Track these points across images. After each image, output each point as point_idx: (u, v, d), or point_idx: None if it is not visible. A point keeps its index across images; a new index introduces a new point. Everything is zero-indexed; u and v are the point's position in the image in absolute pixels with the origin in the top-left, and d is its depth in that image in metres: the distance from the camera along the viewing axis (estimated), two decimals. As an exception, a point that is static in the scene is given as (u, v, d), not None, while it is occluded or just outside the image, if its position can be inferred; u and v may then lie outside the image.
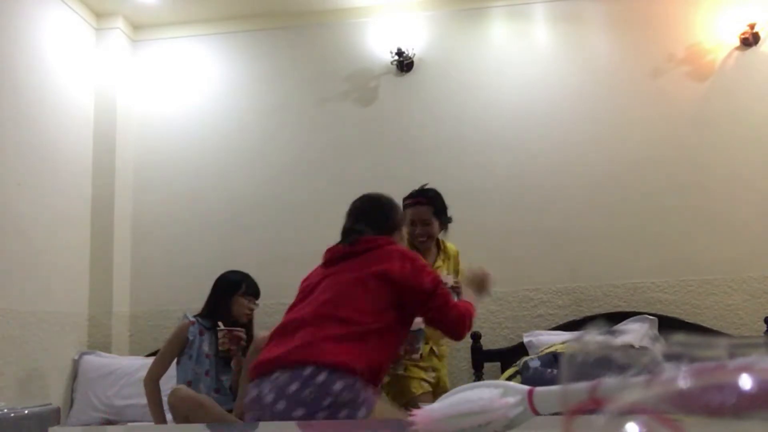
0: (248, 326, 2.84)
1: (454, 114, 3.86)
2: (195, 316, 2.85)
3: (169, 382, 2.82)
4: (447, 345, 2.85)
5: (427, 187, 2.74)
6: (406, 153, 3.86)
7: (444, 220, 2.70)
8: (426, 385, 2.67)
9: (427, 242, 2.68)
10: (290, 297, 3.68)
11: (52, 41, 3.60)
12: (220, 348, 2.71)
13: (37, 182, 3.38)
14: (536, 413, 0.70)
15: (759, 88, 3.64)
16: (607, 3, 3.86)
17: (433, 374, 2.71)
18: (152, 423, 2.79)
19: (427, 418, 0.75)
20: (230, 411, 2.72)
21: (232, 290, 2.87)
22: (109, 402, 3.38)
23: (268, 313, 3.33)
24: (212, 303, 2.88)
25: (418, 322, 2.16)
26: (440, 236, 2.76)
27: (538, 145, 3.76)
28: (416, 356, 2.31)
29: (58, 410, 0.93)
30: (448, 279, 2.50)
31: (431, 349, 2.74)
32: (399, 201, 3.51)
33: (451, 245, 2.83)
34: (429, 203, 2.67)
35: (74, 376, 3.53)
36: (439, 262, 2.73)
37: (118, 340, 3.77)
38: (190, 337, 2.77)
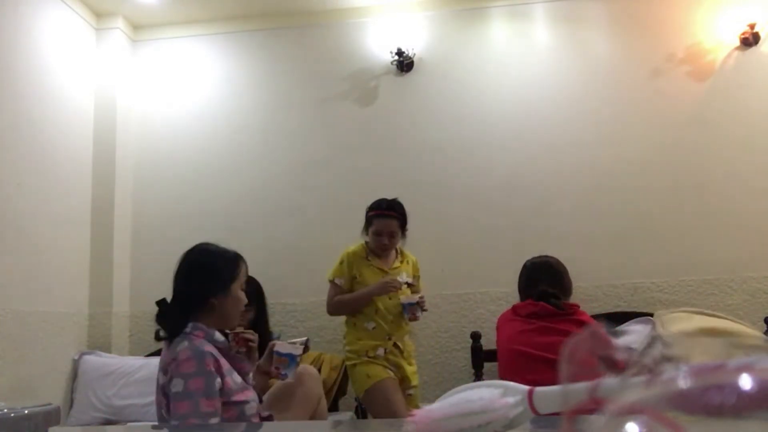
0: (257, 328, 2.81)
1: (454, 114, 3.86)
2: None
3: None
4: (408, 343, 3.04)
5: (395, 199, 3.01)
6: (406, 153, 3.85)
7: (405, 231, 3.03)
8: (390, 372, 2.85)
9: (389, 251, 3.02)
10: (290, 297, 3.71)
11: (52, 41, 3.60)
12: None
13: (37, 182, 3.37)
14: (536, 413, 0.70)
15: (759, 88, 3.64)
16: (607, 3, 3.86)
17: (394, 369, 2.88)
18: (151, 423, 2.78)
19: (426, 418, 0.74)
20: None
21: None
22: (108, 402, 3.38)
23: (269, 313, 3.33)
24: None
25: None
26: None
27: (537, 144, 3.76)
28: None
29: (58, 410, 0.93)
30: (413, 297, 2.88)
31: (395, 344, 2.92)
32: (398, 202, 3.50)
33: (409, 254, 3.14)
34: (398, 218, 2.96)
35: (74, 376, 3.53)
36: (397, 264, 3.03)
37: (118, 340, 3.77)
38: None
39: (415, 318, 2.89)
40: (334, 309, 3.02)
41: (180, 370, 1.72)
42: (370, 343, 2.89)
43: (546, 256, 2.77)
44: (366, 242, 3.05)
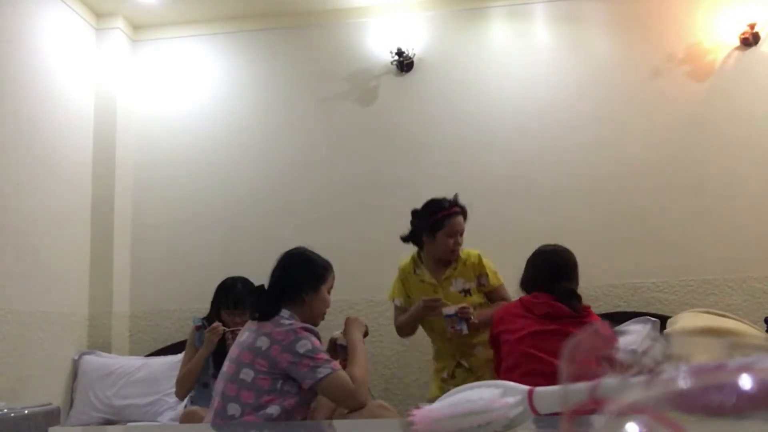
0: None
1: (454, 114, 3.86)
2: (202, 319, 2.88)
3: (174, 370, 2.89)
4: (479, 356, 2.66)
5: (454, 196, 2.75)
6: (406, 153, 3.85)
7: None
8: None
9: (456, 254, 2.69)
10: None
11: (52, 41, 3.60)
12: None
13: (37, 182, 3.37)
14: (536, 413, 0.70)
15: (759, 88, 3.64)
16: (606, 3, 3.86)
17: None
18: (151, 423, 2.79)
19: (427, 418, 0.74)
20: None
21: (218, 304, 2.90)
22: (108, 402, 3.38)
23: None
24: (211, 310, 2.93)
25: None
26: None
27: (537, 145, 3.76)
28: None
29: (58, 410, 0.93)
30: (451, 308, 2.53)
31: (458, 364, 2.64)
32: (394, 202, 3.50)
33: (470, 251, 2.75)
34: (464, 214, 2.69)
35: (74, 376, 3.53)
36: (449, 272, 2.71)
37: (118, 340, 3.77)
38: (197, 343, 2.81)
39: (456, 332, 2.51)
40: (399, 332, 2.83)
41: (300, 334, 1.98)
42: (438, 364, 2.74)
43: (558, 246, 2.49)
44: (418, 254, 2.78)
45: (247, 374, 1.96)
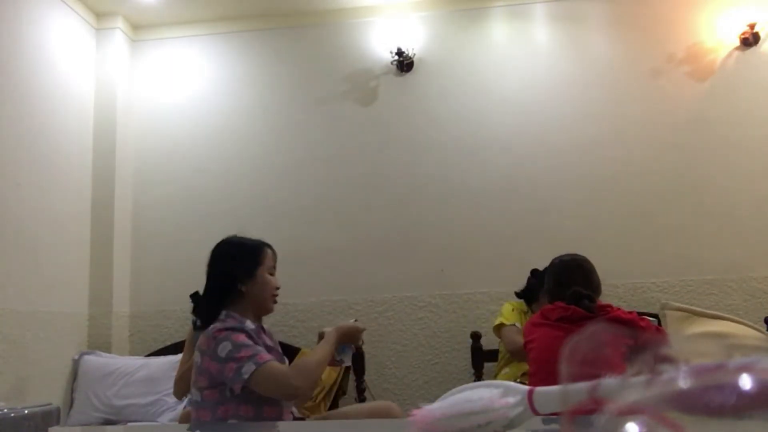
0: None
1: (454, 114, 3.86)
2: None
3: (174, 370, 2.90)
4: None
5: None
6: (406, 153, 3.85)
7: None
8: None
9: None
10: (289, 297, 3.71)
11: (53, 41, 3.60)
12: None
13: (37, 182, 3.37)
14: (536, 413, 0.70)
15: (759, 88, 3.64)
16: (607, 3, 3.86)
17: None
18: (151, 423, 2.79)
19: (427, 418, 0.74)
20: None
21: None
22: (108, 402, 3.38)
23: (268, 313, 3.32)
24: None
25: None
26: None
27: (537, 145, 3.76)
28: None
29: (58, 410, 0.93)
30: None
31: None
32: (400, 199, 3.50)
33: None
34: None
35: (74, 376, 3.53)
36: None
37: (118, 340, 3.77)
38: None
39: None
40: (518, 355, 2.90)
41: (219, 336, 1.83)
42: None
43: (574, 255, 2.62)
44: (528, 306, 3.15)
45: (195, 395, 1.86)
